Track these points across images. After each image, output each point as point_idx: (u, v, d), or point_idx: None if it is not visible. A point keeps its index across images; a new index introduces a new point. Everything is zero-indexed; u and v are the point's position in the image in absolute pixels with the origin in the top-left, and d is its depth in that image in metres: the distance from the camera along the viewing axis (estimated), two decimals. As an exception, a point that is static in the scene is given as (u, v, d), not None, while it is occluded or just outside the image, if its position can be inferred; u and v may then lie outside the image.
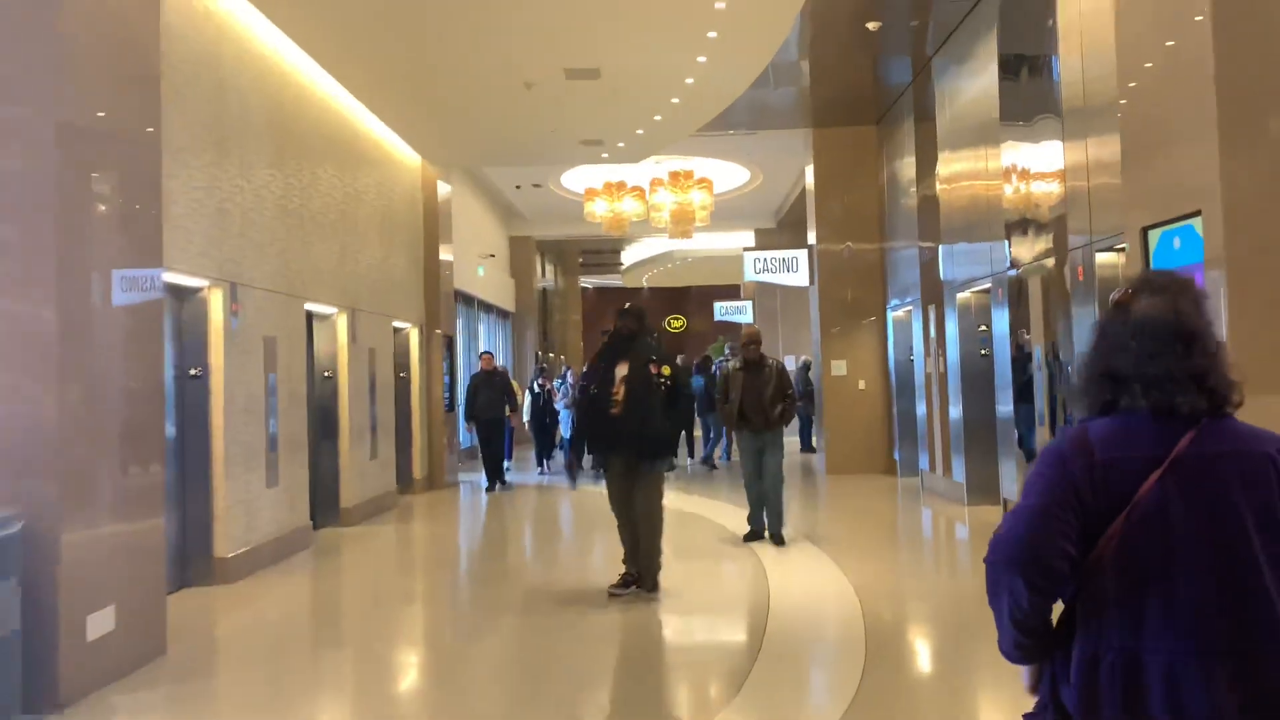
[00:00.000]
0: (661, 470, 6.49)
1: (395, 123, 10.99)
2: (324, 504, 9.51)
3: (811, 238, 13.38)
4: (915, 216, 11.43)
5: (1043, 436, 7.70)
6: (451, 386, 13.33)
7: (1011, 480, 8.50)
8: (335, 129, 9.75)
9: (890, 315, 12.78)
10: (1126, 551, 1.72)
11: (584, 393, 6.52)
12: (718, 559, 7.78)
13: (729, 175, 17.42)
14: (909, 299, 11.90)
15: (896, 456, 12.62)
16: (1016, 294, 8.24)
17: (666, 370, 6.26)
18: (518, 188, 17.28)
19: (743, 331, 8.29)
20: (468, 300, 16.97)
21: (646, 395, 6.14)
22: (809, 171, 13.69)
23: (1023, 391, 8.19)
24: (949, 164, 10.09)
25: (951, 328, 9.99)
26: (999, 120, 8.50)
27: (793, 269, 13.17)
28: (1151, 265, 5.21)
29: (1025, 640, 1.80)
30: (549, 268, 24.71)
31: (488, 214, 18.62)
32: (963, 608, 5.98)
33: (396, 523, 10.16)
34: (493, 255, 17.96)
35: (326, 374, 9.65)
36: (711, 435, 14.67)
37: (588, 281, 30.73)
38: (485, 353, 13.98)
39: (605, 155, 12.01)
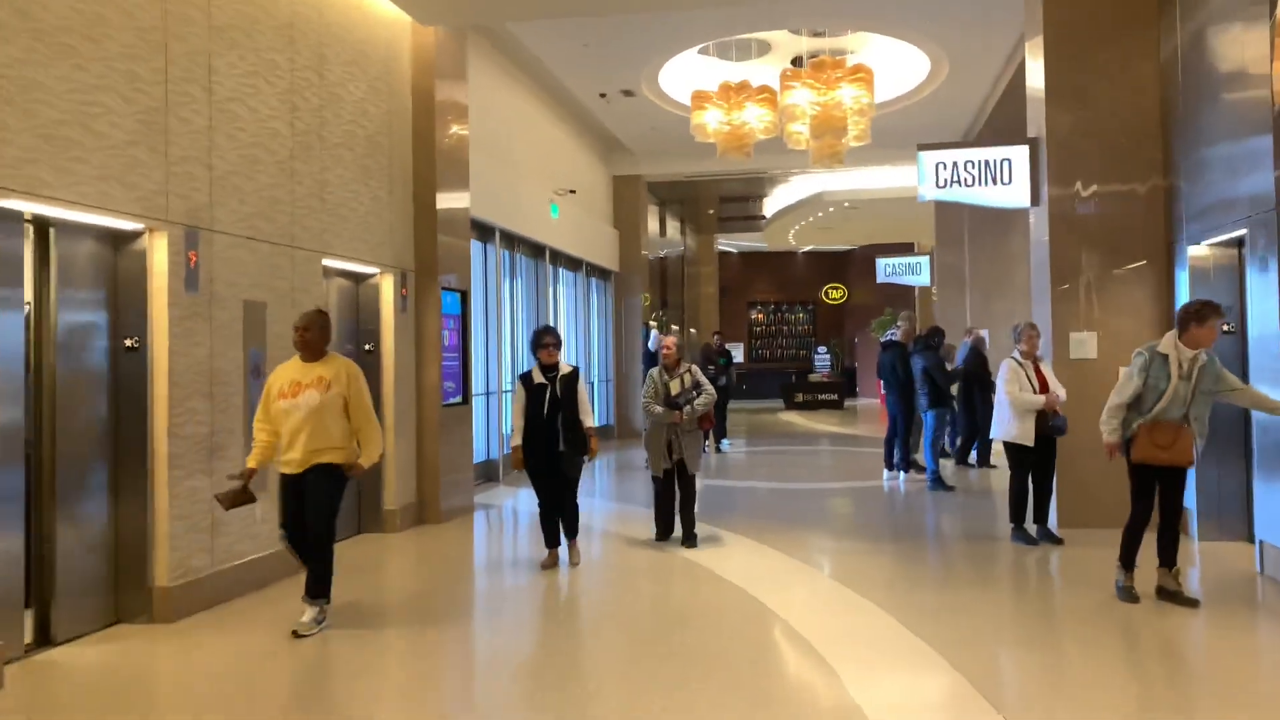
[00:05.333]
0: None
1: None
2: (126, 588, 5.28)
3: (1034, 130, 8.08)
4: (1242, 93, 6.02)
5: None
6: (464, 367, 8.94)
7: None
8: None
9: (1185, 256, 7.36)
10: None
11: None
12: None
13: (900, 74, 12.21)
14: (1229, 223, 6.51)
15: (1191, 506, 7.24)
16: None
17: None
18: (602, 96, 12.64)
19: None
20: (536, 249, 12.57)
21: None
22: (1030, 49, 8.27)
23: None
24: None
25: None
26: None
27: (1001, 179, 7.91)
28: None
29: None
30: (672, 222, 19.99)
31: (575, 141, 14.10)
32: None
33: (285, 605, 5.73)
34: (573, 191, 13.42)
35: (133, 342, 5.35)
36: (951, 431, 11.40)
37: (727, 244, 25.78)
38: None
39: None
